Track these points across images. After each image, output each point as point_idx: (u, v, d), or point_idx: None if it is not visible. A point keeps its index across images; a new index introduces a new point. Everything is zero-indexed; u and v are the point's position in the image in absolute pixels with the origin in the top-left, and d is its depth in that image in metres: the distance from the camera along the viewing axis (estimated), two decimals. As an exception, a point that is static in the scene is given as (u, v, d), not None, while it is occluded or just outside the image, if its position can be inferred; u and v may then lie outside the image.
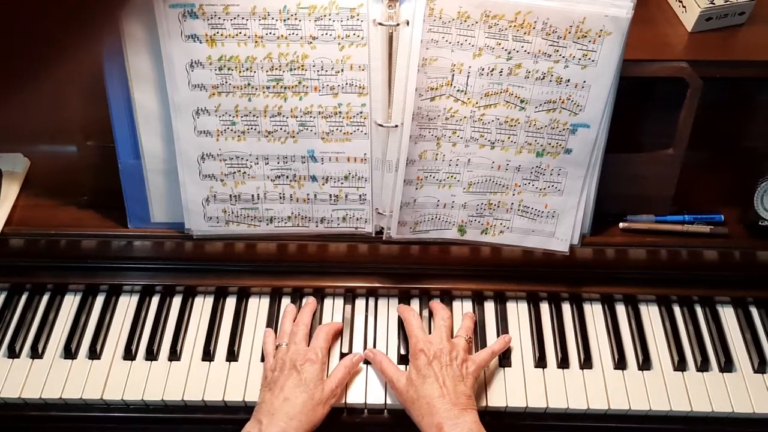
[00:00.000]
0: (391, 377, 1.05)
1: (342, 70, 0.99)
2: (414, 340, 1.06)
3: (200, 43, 0.98)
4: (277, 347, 1.08)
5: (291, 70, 0.99)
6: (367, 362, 1.11)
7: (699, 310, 1.18)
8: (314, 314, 1.15)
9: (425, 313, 1.16)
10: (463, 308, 1.17)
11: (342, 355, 1.11)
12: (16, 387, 1.08)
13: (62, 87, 1.08)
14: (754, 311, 1.17)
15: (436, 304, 1.15)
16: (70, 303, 1.18)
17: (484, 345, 1.12)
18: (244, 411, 1.07)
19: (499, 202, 1.09)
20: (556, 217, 1.10)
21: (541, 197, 1.08)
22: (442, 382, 1.00)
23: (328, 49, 0.98)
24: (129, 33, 0.99)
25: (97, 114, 1.06)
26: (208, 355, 1.12)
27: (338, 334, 1.13)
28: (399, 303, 1.17)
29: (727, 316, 1.17)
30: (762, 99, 1.15)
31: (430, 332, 1.11)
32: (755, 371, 1.11)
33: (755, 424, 1.07)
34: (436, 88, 1.00)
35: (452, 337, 1.10)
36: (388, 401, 1.07)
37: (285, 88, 1.01)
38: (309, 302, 1.16)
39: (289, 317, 1.13)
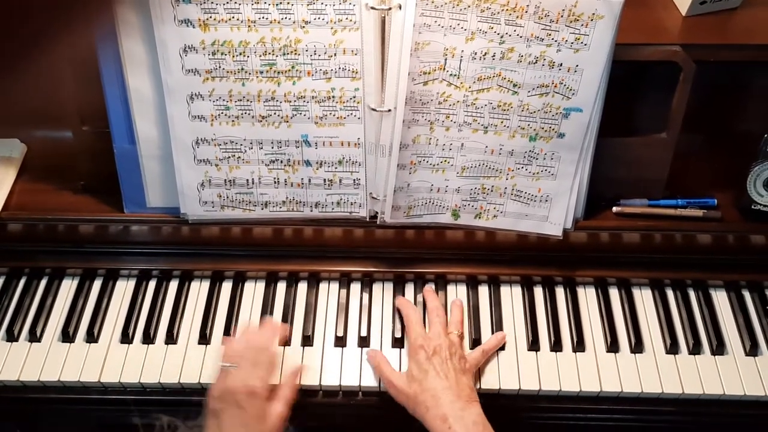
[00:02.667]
0: (389, 377, 1.04)
1: (335, 55, 1.00)
2: (413, 336, 1.06)
3: (193, 27, 0.98)
4: (222, 368, 0.99)
5: (284, 54, 1.00)
6: (362, 346, 1.12)
7: (692, 294, 1.18)
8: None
9: (420, 298, 1.17)
10: (458, 292, 1.18)
11: (337, 339, 1.12)
12: (15, 370, 1.09)
13: (57, 72, 1.08)
14: (747, 295, 1.18)
15: (430, 295, 1.14)
16: (68, 287, 1.19)
17: (478, 329, 1.13)
18: (240, 393, 1.09)
19: (492, 186, 1.10)
20: (549, 201, 1.10)
21: (535, 181, 1.09)
22: (445, 375, 1.00)
23: (321, 34, 0.98)
24: (122, 17, 0.99)
25: (93, 99, 1.07)
26: (204, 339, 1.13)
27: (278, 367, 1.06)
28: (394, 287, 1.18)
29: (720, 299, 1.18)
30: (756, 83, 1.15)
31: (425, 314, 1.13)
32: (747, 354, 1.11)
33: (746, 406, 1.08)
34: (429, 73, 1.01)
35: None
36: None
37: (278, 72, 1.01)
38: (268, 323, 1.08)
39: (244, 335, 1.05)
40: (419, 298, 1.17)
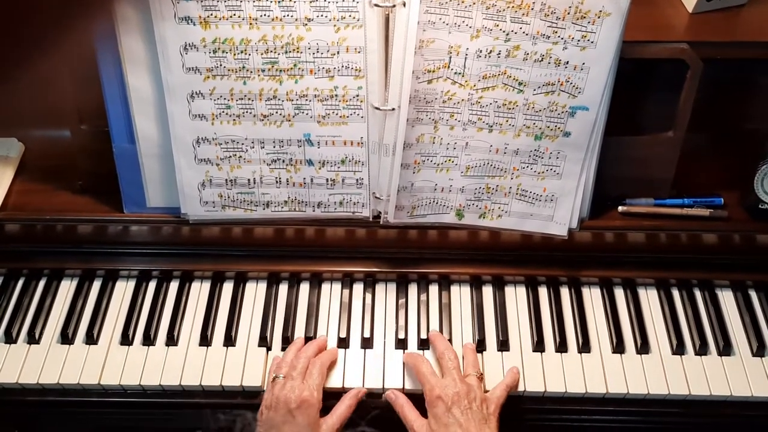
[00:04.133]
0: (413, 425, 1.00)
1: (338, 53, 0.98)
2: (428, 387, 1.01)
3: (194, 25, 0.96)
4: (274, 379, 1.03)
5: (286, 52, 0.98)
6: (365, 347, 1.11)
7: (698, 294, 1.17)
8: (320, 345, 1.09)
9: (423, 297, 1.16)
10: (462, 293, 1.17)
11: (340, 340, 1.11)
12: (14, 372, 1.08)
13: (56, 71, 1.07)
14: (753, 295, 1.17)
15: (437, 339, 1.08)
16: (67, 288, 1.18)
17: (482, 330, 1.12)
18: (242, 396, 1.08)
19: (497, 185, 1.08)
20: (554, 201, 1.09)
21: (540, 181, 1.08)
22: (466, 428, 0.95)
23: (324, 31, 0.97)
24: (122, 15, 0.98)
25: (91, 98, 1.05)
26: (205, 340, 1.11)
27: (333, 365, 1.08)
28: (397, 287, 1.17)
29: (726, 299, 1.17)
30: (764, 81, 1.13)
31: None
32: (754, 354, 1.10)
33: (753, 407, 1.07)
34: (433, 71, 0.99)
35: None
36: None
37: (280, 71, 1.00)
38: (320, 338, 1.10)
39: (295, 348, 1.08)
40: (422, 296, 1.16)
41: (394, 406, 1.04)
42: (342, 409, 1.02)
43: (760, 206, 1.10)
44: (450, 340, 1.10)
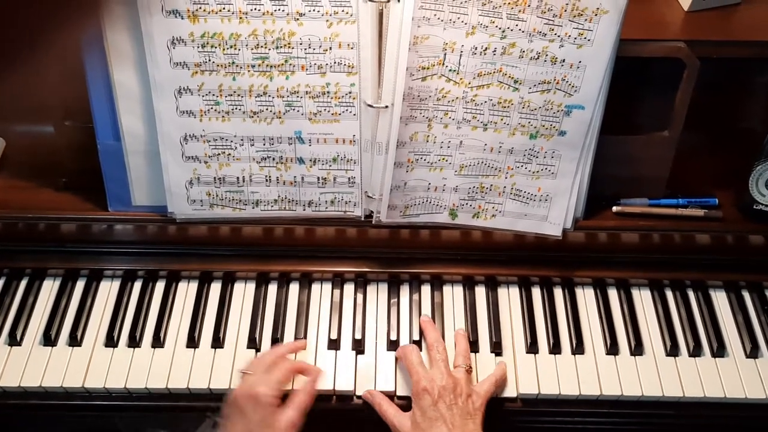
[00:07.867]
0: (393, 421, 0.98)
1: (330, 48, 0.96)
2: (416, 378, 0.99)
3: (182, 18, 0.94)
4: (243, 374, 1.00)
5: (277, 48, 0.96)
6: (359, 352, 1.09)
7: (691, 295, 1.16)
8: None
9: (415, 297, 1.14)
10: (454, 293, 1.15)
11: (330, 342, 1.09)
12: (-5, 375, 1.05)
13: (39, 65, 1.04)
14: (747, 295, 1.16)
15: (427, 327, 1.08)
16: (50, 288, 1.15)
17: (475, 331, 1.10)
18: (230, 398, 1.05)
19: (491, 185, 1.07)
20: (549, 201, 1.07)
21: (534, 180, 1.06)
22: (451, 424, 0.94)
23: (316, 27, 0.95)
24: (108, 8, 0.95)
25: (76, 93, 1.02)
26: (192, 342, 1.09)
27: (301, 372, 1.03)
28: (389, 288, 1.15)
29: (720, 300, 1.16)
30: (760, 80, 1.13)
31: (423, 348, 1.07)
32: (747, 356, 1.10)
33: (747, 409, 1.06)
34: (428, 68, 0.97)
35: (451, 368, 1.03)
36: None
37: (271, 66, 0.97)
38: (299, 341, 1.08)
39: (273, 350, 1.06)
40: (414, 297, 1.14)
41: (372, 405, 1.02)
42: (300, 397, 0.96)
43: (754, 207, 1.09)
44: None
